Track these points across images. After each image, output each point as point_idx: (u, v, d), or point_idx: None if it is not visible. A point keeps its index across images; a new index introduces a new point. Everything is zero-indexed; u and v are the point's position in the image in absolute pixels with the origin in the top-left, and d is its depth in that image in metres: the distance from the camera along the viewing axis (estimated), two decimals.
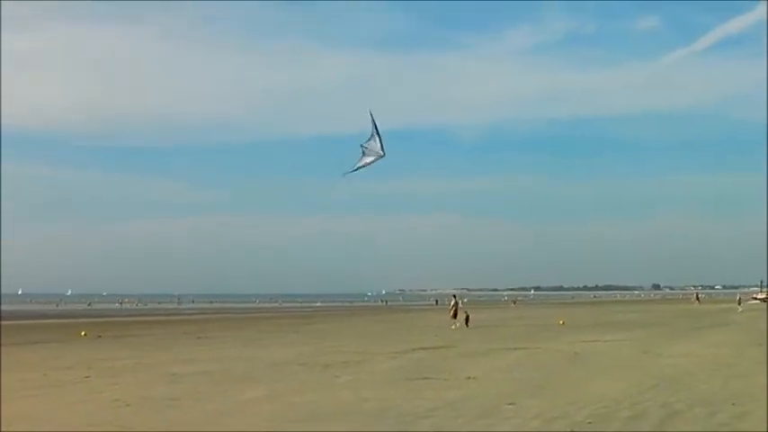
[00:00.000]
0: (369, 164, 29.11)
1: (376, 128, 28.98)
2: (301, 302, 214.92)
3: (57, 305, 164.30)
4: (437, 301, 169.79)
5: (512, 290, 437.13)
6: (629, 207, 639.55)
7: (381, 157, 29.05)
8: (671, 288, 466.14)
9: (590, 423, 16.08)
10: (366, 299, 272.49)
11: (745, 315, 79.85)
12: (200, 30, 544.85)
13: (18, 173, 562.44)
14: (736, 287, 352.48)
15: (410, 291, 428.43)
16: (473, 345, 40.57)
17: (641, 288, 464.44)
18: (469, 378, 24.90)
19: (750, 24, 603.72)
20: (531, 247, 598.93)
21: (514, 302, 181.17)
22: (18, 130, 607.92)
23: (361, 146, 29.16)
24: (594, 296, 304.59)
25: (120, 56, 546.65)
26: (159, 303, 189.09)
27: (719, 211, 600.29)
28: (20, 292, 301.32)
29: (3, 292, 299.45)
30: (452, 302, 64.64)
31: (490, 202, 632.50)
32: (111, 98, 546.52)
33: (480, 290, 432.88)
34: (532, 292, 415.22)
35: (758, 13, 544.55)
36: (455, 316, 61.37)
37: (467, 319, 61.72)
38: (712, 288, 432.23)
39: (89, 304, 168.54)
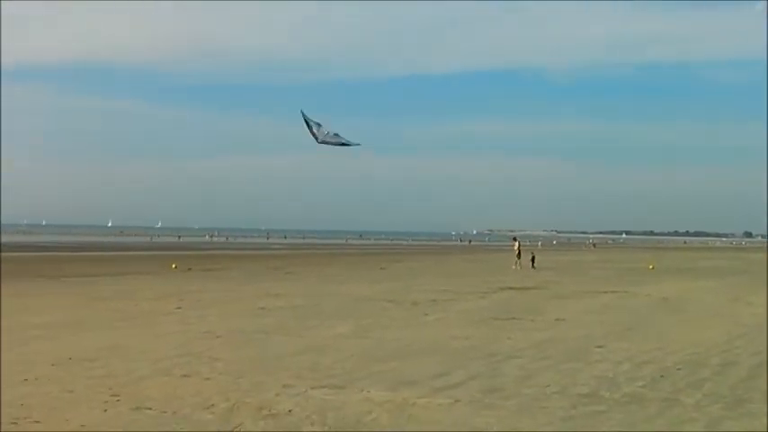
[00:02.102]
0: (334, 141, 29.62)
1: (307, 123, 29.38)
2: (389, 240, 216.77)
3: (150, 238, 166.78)
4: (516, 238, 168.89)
5: (601, 233, 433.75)
6: (723, 153, 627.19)
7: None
8: (763, 236, 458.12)
9: (679, 369, 15.88)
10: (452, 237, 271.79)
11: None
12: None
13: (107, 108, 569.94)
14: None
15: (498, 231, 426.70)
16: (561, 287, 40.36)
17: (733, 235, 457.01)
18: (558, 320, 24.80)
19: None
20: (623, 190, 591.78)
21: (594, 245, 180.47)
22: (108, 64, 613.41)
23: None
24: (685, 242, 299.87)
25: None
26: (248, 238, 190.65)
27: None
28: (109, 224, 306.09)
29: (95, 223, 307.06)
30: (516, 244, 65.00)
31: (585, 144, 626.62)
32: (208, 35, 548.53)
33: (570, 232, 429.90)
34: (624, 235, 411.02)
35: None
36: (519, 256, 61.69)
37: (533, 260, 61.91)
38: None
39: (179, 237, 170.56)
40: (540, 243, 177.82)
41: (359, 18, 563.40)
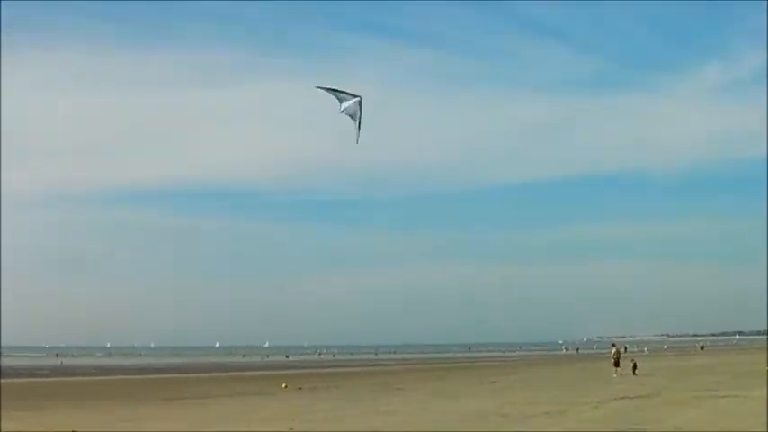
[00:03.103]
0: (357, 116, 29.28)
1: (332, 90, 29.14)
2: (498, 351, 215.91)
3: (261, 357, 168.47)
4: (626, 348, 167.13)
5: (713, 335, 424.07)
6: None
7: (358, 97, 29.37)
8: None
9: None
10: (561, 346, 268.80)
11: None
12: (396, 80, 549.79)
13: (213, 227, 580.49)
14: None
15: (608, 337, 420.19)
16: (673, 393, 39.60)
17: None
18: (677, 428, 24.32)
19: None
20: (734, 289, 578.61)
21: (702, 348, 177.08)
22: (208, 185, 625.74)
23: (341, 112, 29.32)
24: None
25: (313, 108, 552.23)
26: (357, 354, 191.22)
27: None
28: (217, 345, 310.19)
29: (202, 344, 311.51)
30: (613, 351, 63.88)
31: (690, 245, 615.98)
32: (304, 152, 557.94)
33: (681, 335, 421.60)
34: (737, 336, 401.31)
35: None
36: (617, 364, 60.66)
37: (634, 367, 60.87)
38: None
39: (287, 356, 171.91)
40: (646, 348, 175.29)
41: (454, 127, 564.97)
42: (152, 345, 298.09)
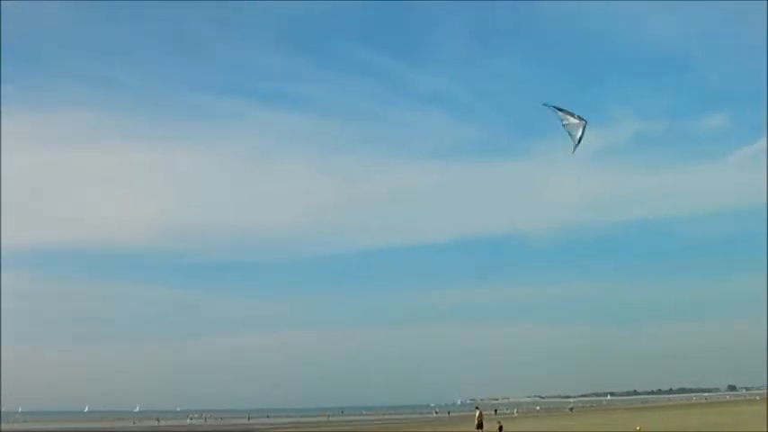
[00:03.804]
0: (580, 134, 29.14)
1: (558, 108, 29.04)
2: (373, 415, 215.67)
3: (133, 422, 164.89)
4: (496, 410, 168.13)
5: (585, 396, 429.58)
6: (701, 308, 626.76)
7: (584, 122, 29.28)
8: (747, 389, 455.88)
9: None
10: (432, 409, 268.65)
11: None
12: (276, 145, 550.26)
13: (87, 291, 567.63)
14: None
15: (481, 399, 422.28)
16: None
17: (717, 390, 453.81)
18: None
19: None
20: (606, 351, 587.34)
21: (571, 409, 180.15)
22: (86, 247, 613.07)
23: (563, 126, 29.32)
24: (669, 400, 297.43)
25: (189, 173, 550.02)
26: (230, 419, 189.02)
27: None
28: (86, 410, 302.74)
29: (69, 409, 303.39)
30: (477, 413, 63.93)
31: (564, 307, 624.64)
32: (183, 215, 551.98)
33: (553, 397, 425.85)
34: (608, 397, 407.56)
35: None
36: (480, 426, 60.72)
37: (500, 429, 60.96)
38: None
39: (158, 421, 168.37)
40: (516, 410, 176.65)
41: (332, 193, 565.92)
42: (19, 409, 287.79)
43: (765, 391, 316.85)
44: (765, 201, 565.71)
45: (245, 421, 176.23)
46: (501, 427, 61.72)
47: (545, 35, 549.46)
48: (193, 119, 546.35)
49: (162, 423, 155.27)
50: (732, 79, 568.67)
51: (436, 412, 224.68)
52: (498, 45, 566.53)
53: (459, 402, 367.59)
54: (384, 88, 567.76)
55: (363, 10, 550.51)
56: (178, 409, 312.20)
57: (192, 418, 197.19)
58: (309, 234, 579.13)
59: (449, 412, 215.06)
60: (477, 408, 71.83)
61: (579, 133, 28.84)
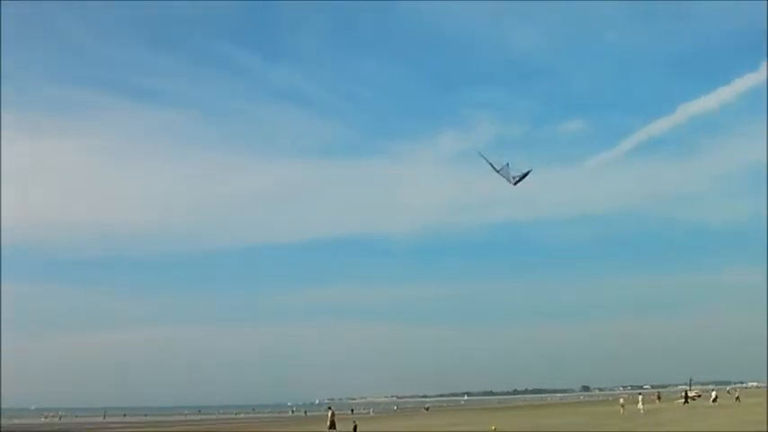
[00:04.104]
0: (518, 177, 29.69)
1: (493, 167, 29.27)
2: (229, 413, 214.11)
3: None
4: (352, 410, 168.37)
5: (442, 395, 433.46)
6: (557, 310, 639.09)
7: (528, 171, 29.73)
8: (600, 389, 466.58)
9: None
10: (289, 408, 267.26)
11: (677, 413, 78.04)
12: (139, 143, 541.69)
13: None
14: (665, 386, 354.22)
15: (339, 399, 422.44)
16: None
17: (571, 390, 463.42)
18: None
19: (672, 126, 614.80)
20: (463, 352, 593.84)
21: (427, 409, 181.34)
22: None
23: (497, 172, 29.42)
24: (525, 400, 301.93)
25: (54, 168, 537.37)
26: (85, 417, 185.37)
27: (647, 312, 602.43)
28: None
29: None
30: (329, 413, 63.85)
31: (421, 308, 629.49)
32: (46, 209, 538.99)
33: (411, 397, 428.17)
34: (465, 397, 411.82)
35: (679, 115, 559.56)
36: (333, 426, 60.56)
37: (354, 429, 60.71)
38: (641, 388, 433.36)
39: (11, 419, 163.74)
40: (371, 410, 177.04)
41: (193, 190, 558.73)
42: None
43: (619, 391, 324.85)
44: (621, 205, 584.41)
45: (101, 419, 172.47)
46: (356, 427, 61.17)
47: (408, 38, 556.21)
48: (60, 113, 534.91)
49: (13, 422, 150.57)
50: (592, 86, 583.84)
51: (293, 411, 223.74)
52: (361, 46, 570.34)
53: (317, 402, 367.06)
54: (247, 86, 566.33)
55: (230, 9, 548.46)
56: (33, 408, 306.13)
57: (45, 417, 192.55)
58: (169, 231, 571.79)
59: (306, 411, 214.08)
60: (329, 408, 71.58)
61: (515, 176, 29.28)
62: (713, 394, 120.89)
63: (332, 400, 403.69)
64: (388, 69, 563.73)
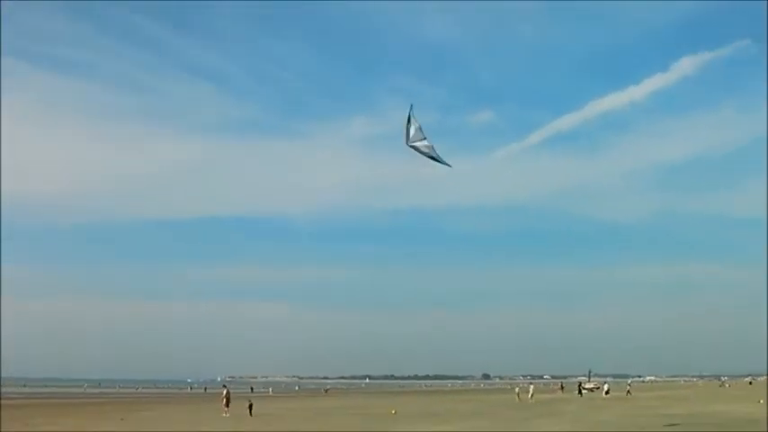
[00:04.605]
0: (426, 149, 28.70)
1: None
2: (133, 387, 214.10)
3: None
4: (252, 388, 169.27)
5: (343, 378, 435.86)
6: (460, 297, 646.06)
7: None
8: (500, 378, 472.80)
9: None
10: (188, 384, 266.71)
11: (575, 404, 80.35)
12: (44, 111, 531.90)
13: None
14: (565, 376, 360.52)
15: (240, 378, 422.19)
16: None
17: (471, 377, 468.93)
18: None
19: (581, 122, 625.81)
20: (366, 335, 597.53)
21: (326, 391, 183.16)
22: None
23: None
24: (425, 385, 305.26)
25: None
26: None
27: (551, 303, 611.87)
28: None
29: None
30: (224, 391, 65.08)
31: (324, 290, 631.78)
32: None
33: (311, 378, 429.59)
34: (367, 380, 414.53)
35: (589, 111, 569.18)
36: (227, 405, 61.85)
37: (250, 407, 62.05)
38: (541, 378, 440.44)
39: None
40: (271, 389, 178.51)
41: (102, 162, 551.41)
42: None
43: (519, 380, 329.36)
44: (528, 197, 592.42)
45: None
46: (251, 406, 62.47)
47: (324, 22, 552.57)
48: None
49: None
50: (504, 78, 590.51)
51: (191, 388, 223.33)
52: (277, 27, 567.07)
53: (219, 379, 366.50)
54: (162, 60, 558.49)
55: None
56: None
57: None
58: (76, 201, 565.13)
59: (205, 388, 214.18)
60: (224, 386, 72.82)
61: (432, 156, 29.04)
62: (605, 387, 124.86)
63: (233, 378, 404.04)
64: (304, 52, 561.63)
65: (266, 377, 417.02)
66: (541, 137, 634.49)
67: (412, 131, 28.00)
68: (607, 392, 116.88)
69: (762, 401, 72.97)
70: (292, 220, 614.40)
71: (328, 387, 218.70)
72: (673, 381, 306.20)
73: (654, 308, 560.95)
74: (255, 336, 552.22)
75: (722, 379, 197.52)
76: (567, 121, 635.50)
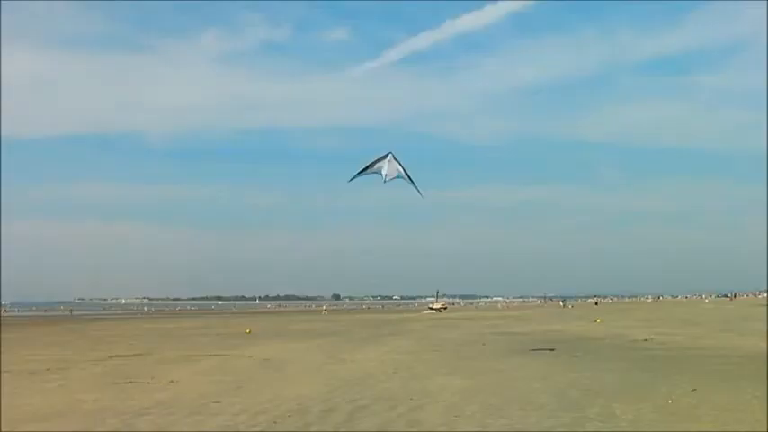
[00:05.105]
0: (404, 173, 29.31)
1: (363, 172, 29.26)
2: None
3: None
4: (71, 311, 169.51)
5: (194, 299, 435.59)
6: (314, 219, 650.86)
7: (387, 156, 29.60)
8: (350, 298, 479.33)
9: (289, 416, 18.29)
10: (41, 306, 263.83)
11: (422, 324, 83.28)
12: None
13: None
14: (414, 298, 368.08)
15: (91, 299, 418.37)
16: (167, 352, 41.96)
17: (322, 298, 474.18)
18: (172, 381, 26.60)
19: (438, 40, 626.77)
20: (217, 255, 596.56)
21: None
22: None
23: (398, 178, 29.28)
24: (279, 305, 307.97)
25: None
26: None
27: (405, 225, 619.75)
28: None
29: None
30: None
31: (177, 210, 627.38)
32: None
33: (162, 299, 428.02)
34: (218, 302, 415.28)
35: (444, 30, 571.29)
36: None
37: None
38: (391, 298, 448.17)
39: None
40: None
41: None
42: None
43: (368, 302, 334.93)
44: (386, 118, 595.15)
45: None
46: None
47: None
48: None
49: None
50: None
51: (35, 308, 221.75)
52: None
53: (76, 301, 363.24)
54: None
55: None
56: None
57: None
58: None
59: (71, 311, 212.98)
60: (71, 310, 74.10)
61: (401, 169, 30.29)
62: (437, 305, 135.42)
63: (82, 300, 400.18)
64: None
65: (117, 299, 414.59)
66: (398, 55, 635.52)
67: (386, 170, 29.51)
68: (439, 310, 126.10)
69: (598, 320, 77.48)
70: (147, 138, 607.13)
71: (179, 308, 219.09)
72: (524, 302, 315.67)
73: (507, 230, 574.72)
74: (105, 258, 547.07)
75: (565, 301, 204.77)
76: (424, 40, 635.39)
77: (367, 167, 30.99)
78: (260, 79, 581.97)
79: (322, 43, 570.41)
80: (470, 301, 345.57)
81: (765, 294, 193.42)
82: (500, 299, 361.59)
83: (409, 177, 30.98)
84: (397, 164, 30.89)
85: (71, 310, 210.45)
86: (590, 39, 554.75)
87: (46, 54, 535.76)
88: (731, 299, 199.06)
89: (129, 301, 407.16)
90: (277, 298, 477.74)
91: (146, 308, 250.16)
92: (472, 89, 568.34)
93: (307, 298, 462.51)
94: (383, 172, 30.32)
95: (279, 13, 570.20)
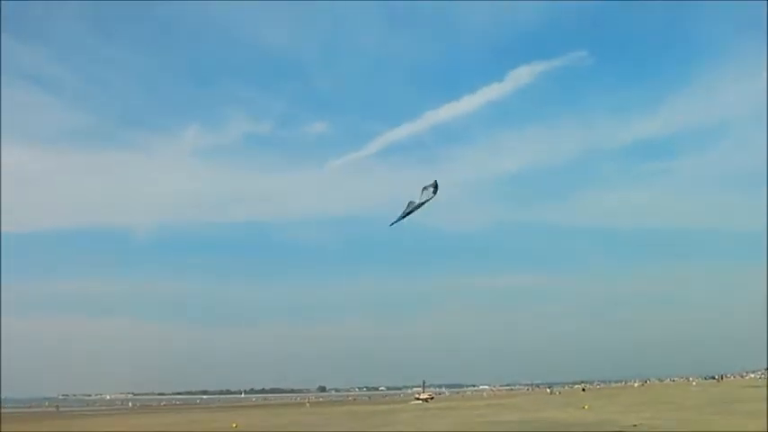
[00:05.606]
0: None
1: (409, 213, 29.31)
2: None
3: None
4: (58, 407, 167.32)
5: (179, 393, 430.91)
6: (296, 310, 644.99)
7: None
8: (336, 390, 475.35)
9: None
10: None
11: (410, 414, 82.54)
12: None
13: None
14: (400, 388, 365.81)
15: (74, 395, 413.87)
16: None
17: (308, 390, 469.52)
18: None
19: (418, 131, 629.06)
20: (200, 350, 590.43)
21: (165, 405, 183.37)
22: None
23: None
24: (264, 399, 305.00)
25: None
26: None
27: (390, 315, 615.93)
28: None
29: None
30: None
31: (159, 304, 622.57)
32: None
33: (148, 394, 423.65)
34: (204, 396, 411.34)
35: (424, 121, 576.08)
36: None
37: None
38: (377, 389, 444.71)
39: None
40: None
41: None
42: None
43: (354, 393, 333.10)
44: (362, 207, 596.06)
45: None
46: None
47: (163, 27, 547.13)
48: None
49: None
50: (340, 89, 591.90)
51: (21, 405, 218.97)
52: (115, 33, 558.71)
53: (60, 396, 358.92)
54: None
55: None
56: None
57: None
58: None
59: (57, 407, 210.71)
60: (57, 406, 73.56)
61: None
62: (423, 395, 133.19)
63: (66, 396, 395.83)
64: (142, 59, 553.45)
65: (101, 394, 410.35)
66: (378, 147, 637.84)
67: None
68: (426, 400, 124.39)
69: (586, 407, 77.22)
70: (130, 233, 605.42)
71: (164, 403, 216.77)
72: (510, 390, 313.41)
73: (492, 317, 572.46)
74: (90, 352, 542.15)
75: (552, 388, 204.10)
76: (404, 131, 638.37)
77: (411, 210, 31.23)
78: (242, 174, 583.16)
79: (304, 135, 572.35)
80: (456, 390, 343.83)
81: (752, 375, 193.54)
82: (486, 387, 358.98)
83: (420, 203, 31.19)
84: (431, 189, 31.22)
85: (57, 407, 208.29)
86: (569, 126, 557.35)
87: (31, 149, 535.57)
88: (718, 381, 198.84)
89: (113, 396, 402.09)
90: (262, 391, 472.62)
91: (130, 403, 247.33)
92: (454, 178, 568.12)
93: (292, 391, 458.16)
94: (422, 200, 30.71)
95: (261, 109, 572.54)
